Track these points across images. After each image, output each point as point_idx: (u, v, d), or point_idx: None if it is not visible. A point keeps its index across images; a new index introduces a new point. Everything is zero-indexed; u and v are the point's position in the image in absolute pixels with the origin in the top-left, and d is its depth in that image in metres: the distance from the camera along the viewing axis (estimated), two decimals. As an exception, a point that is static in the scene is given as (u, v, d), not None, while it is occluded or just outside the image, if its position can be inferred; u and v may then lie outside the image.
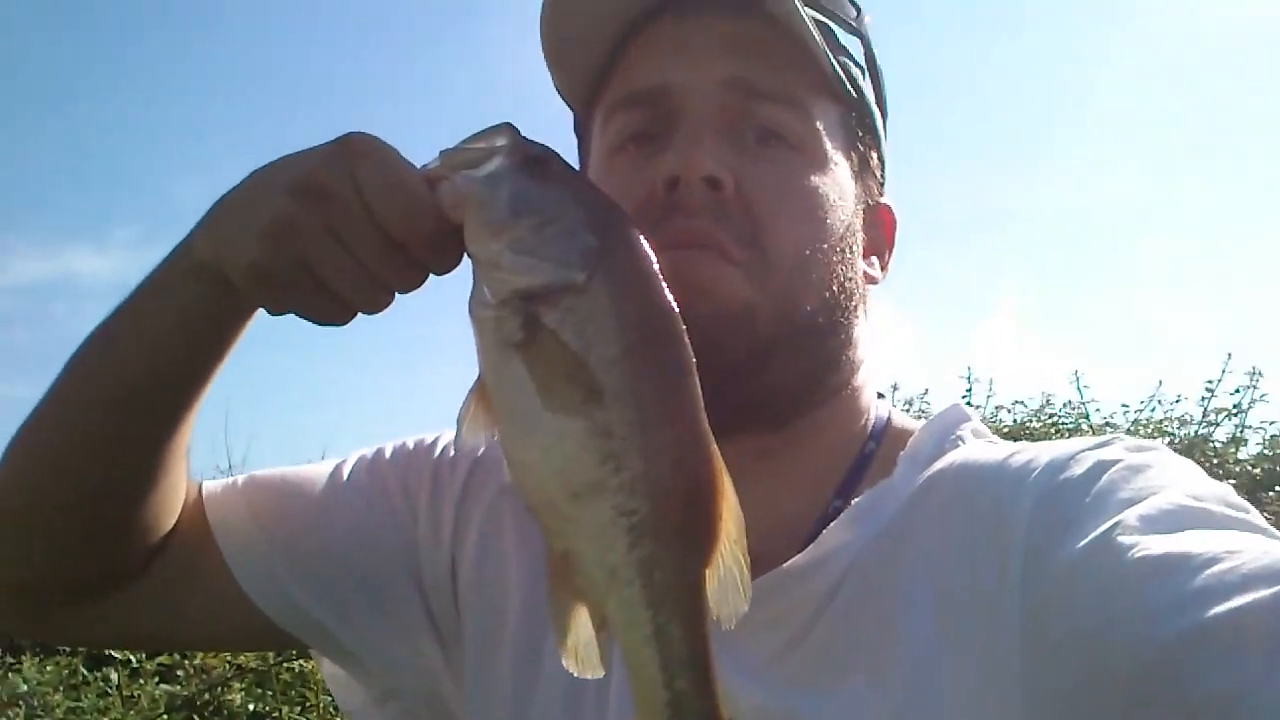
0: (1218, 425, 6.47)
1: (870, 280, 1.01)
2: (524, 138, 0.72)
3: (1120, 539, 0.70)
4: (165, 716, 3.50)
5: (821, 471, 0.96)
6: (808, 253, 0.92)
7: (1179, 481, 0.76)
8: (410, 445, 1.11)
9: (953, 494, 0.88)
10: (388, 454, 1.10)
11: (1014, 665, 0.75)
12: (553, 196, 0.70)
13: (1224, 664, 0.59)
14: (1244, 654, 0.59)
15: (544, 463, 0.67)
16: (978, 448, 0.93)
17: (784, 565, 0.89)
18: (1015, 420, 6.81)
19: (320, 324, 0.78)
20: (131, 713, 3.50)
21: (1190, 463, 0.82)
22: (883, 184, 1.06)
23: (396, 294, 0.77)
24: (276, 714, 3.74)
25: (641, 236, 0.71)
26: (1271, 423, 6.66)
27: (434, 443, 1.11)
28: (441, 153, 0.72)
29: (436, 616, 1.04)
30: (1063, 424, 6.73)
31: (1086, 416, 6.80)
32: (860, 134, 1.01)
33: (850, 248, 0.96)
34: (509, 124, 0.72)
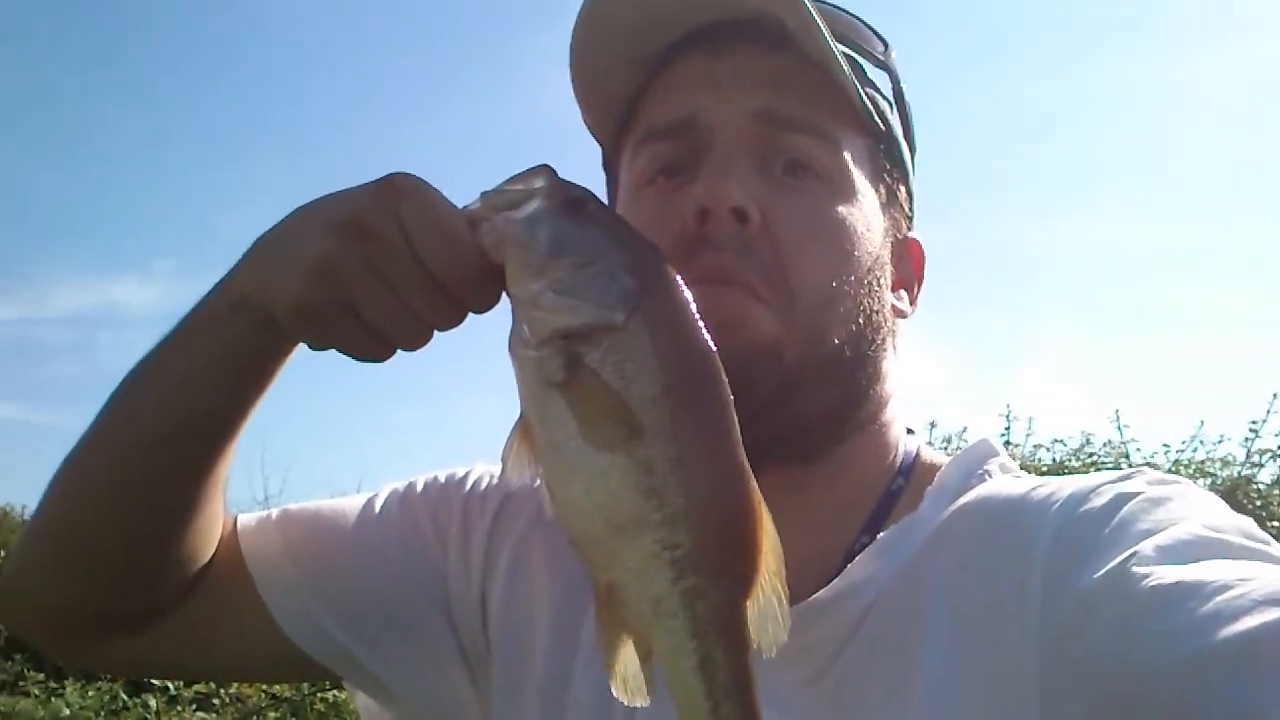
0: (1262, 466, 6.35)
1: (899, 314, 1.02)
2: (562, 179, 0.74)
3: (1137, 568, 0.72)
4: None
5: (849, 506, 0.97)
6: (834, 285, 0.93)
7: (1198, 513, 0.78)
8: (441, 479, 1.13)
9: (976, 526, 0.89)
10: (419, 488, 1.12)
11: (1032, 692, 0.77)
12: (591, 238, 0.72)
13: (1237, 686, 0.60)
14: (1257, 676, 0.60)
15: (587, 498, 0.69)
16: (1003, 482, 0.94)
17: (810, 599, 0.90)
18: (1054, 459, 6.74)
19: (361, 360, 0.80)
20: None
21: (1212, 495, 0.84)
22: (911, 218, 1.07)
23: (439, 332, 0.79)
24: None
25: (679, 277, 0.73)
26: (1317, 462, 6.54)
27: (464, 477, 1.13)
28: (482, 194, 0.75)
29: (466, 648, 1.06)
30: (1102, 463, 6.64)
31: (1127, 456, 6.70)
32: (888, 167, 1.02)
33: (878, 280, 0.97)
34: (547, 165, 0.75)
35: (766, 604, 0.68)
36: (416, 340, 0.79)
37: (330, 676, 1.10)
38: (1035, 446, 6.87)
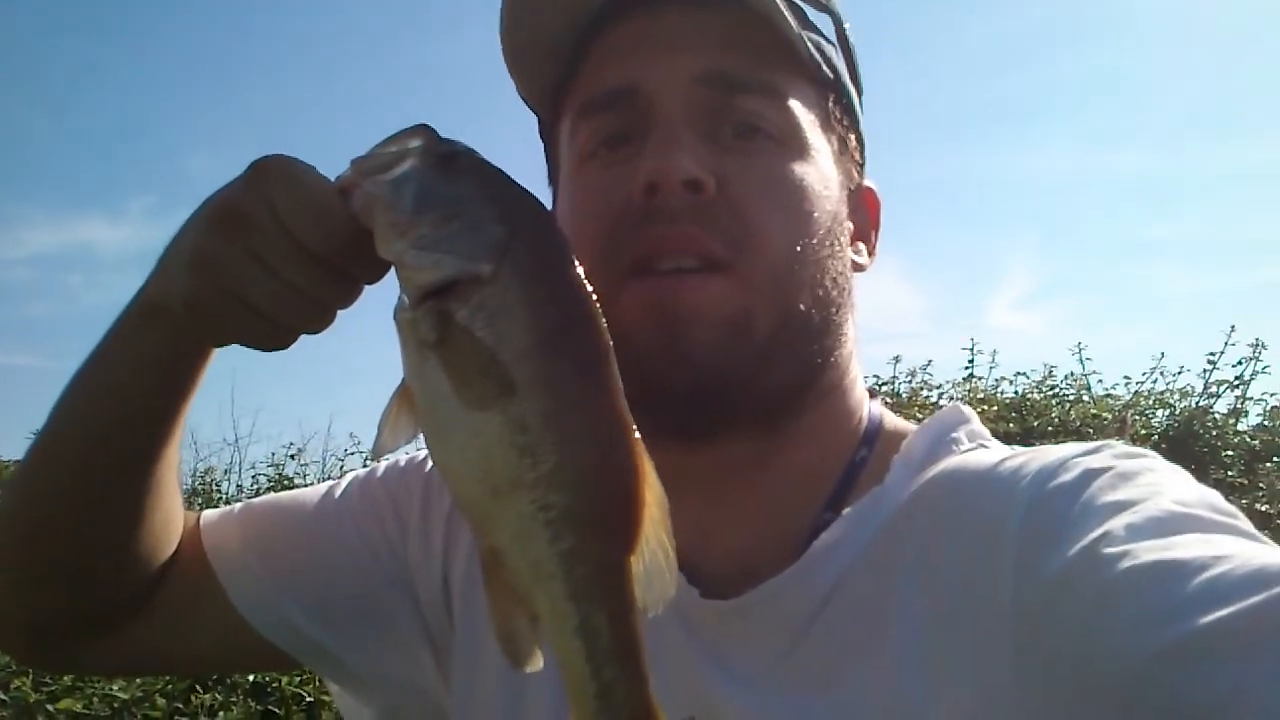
0: (1219, 397, 6.46)
1: (858, 268, 0.99)
2: (440, 138, 0.72)
3: (1108, 549, 0.69)
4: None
5: (813, 479, 0.94)
6: (798, 249, 0.89)
7: (1166, 488, 0.75)
8: (402, 463, 1.13)
9: (945, 501, 0.86)
10: (379, 473, 1.12)
11: (1006, 674, 0.74)
12: (459, 191, 0.69)
13: (1215, 670, 0.58)
14: (1235, 660, 0.58)
15: (463, 461, 0.67)
16: (972, 454, 0.91)
17: (775, 577, 0.88)
18: (1017, 392, 6.81)
19: (266, 349, 0.79)
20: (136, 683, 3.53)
21: (1178, 468, 0.81)
22: (863, 165, 1.03)
23: (338, 309, 0.77)
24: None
25: (554, 223, 0.70)
26: (1272, 394, 6.66)
27: (424, 460, 1.12)
28: (353, 161, 0.72)
29: (433, 631, 1.05)
30: (1065, 396, 6.72)
31: (1089, 388, 6.81)
32: (838, 116, 0.98)
33: (838, 239, 0.94)
34: (424, 125, 0.72)
35: (652, 559, 0.66)
36: (316, 320, 0.77)
37: (301, 666, 1.11)
38: (999, 379, 6.93)
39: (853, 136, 1.00)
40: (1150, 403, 6.63)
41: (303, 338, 0.77)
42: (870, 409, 0.99)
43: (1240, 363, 6.37)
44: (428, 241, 0.67)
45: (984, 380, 6.82)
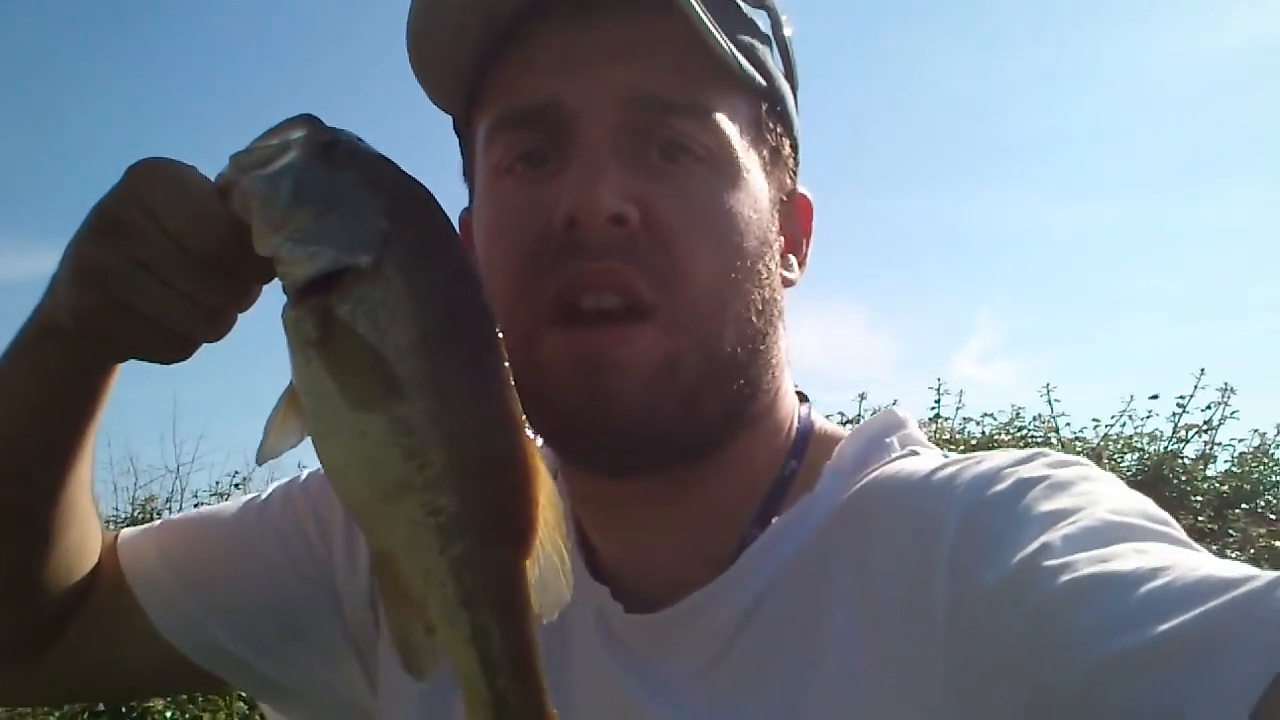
0: (1188, 442, 6.48)
1: (787, 283, 0.95)
2: (323, 128, 0.68)
3: (1046, 562, 0.68)
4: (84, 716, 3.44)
5: (739, 499, 0.91)
6: (726, 283, 0.85)
7: (1101, 497, 0.74)
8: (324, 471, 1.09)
9: (878, 508, 0.84)
10: (302, 480, 1.08)
11: (940, 683, 0.73)
12: (338, 181, 0.66)
13: (1160, 683, 0.57)
14: (1178, 671, 0.57)
15: (350, 464, 0.64)
16: (906, 462, 0.88)
17: (701, 589, 0.86)
18: (984, 433, 6.76)
19: (163, 361, 0.76)
20: (55, 715, 3.42)
21: (1110, 475, 0.80)
22: (796, 170, 0.98)
23: (235, 312, 0.74)
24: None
25: (440, 213, 0.67)
26: (1241, 440, 6.69)
27: None
28: (232, 157, 0.69)
29: (359, 641, 1.02)
30: (1032, 437, 6.70)
31: (1056, 430, 6.80)
32: (771, 124, 0.93)
33: (768, 265, 0.89)
34: (308, 115, 0.69)
35: (546, 563, 0.63)
36: (211, 326, 0.74)
37: (227, 685, 1.07)
38: (964, 419, 6.90)
39: (786, 143, 0.95)
40: (1119, 446, 6.64)
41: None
42: (800, 416, 0.96)
43: (1209, 407, 6.41)
44: (304, 234, 0.64)
45: (950, 421, 6.82)
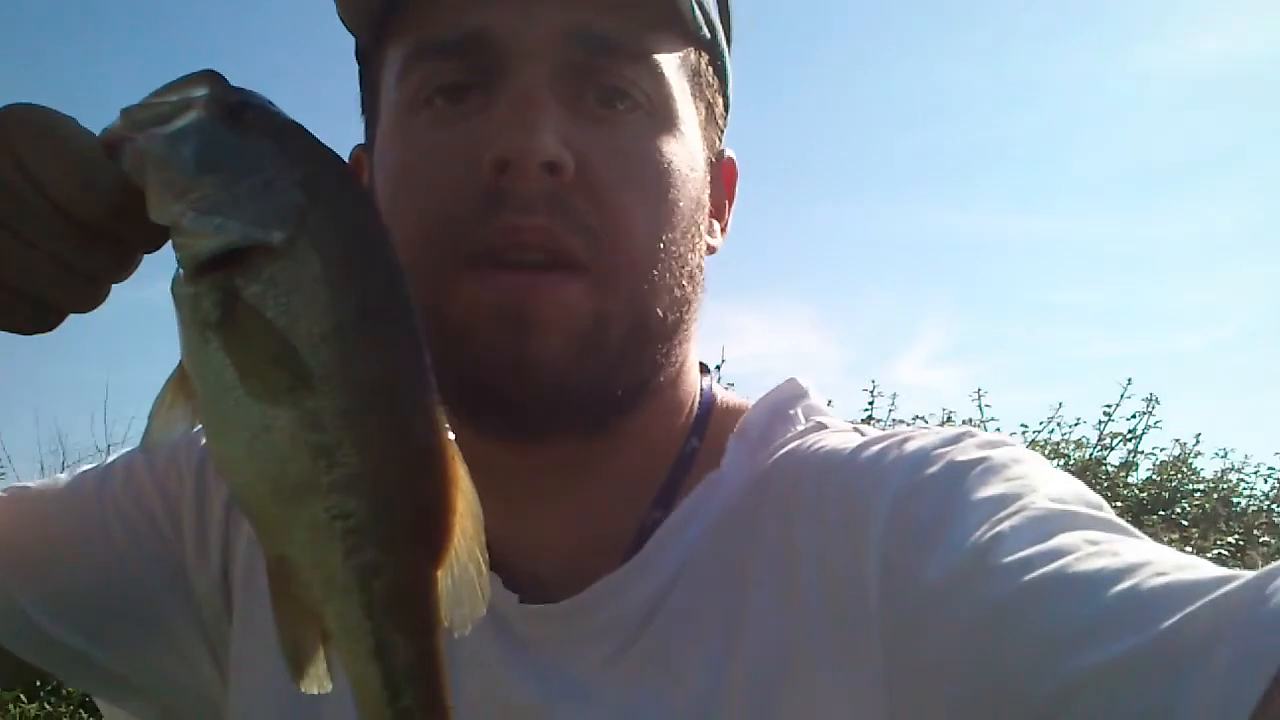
0: (1112, 449, 6.64)
1: (710, 251, 0.89)
2: (229, 86, 0.62)
3: (1000, 559, 0.63)
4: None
5: (643, 475, 0.86)
6: (660, 245, 0.80)
7: (1038, 482, 0.71)
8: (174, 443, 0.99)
9: (796, 489, 0.80)
10: (143, 457, 0.99)
11: (875, 681, 0.69)
12: (250, 148, 0.60)
13: (1143, 692, 0.53)
14: (1164, 680, 0.53)
15: (250, 461, 0.59)
16: (820, 437, 0.84)
17: (605, 578, 0.81)
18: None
19: (25, 332, 0.68)
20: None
21: (1040, 457, 0.77)
22: (724, 129, 0.93)
23: (111, 282, 0.67)
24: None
25: (361, 189, 0.62)
26: (1163, 449, 6.88)
27: (199, 436, 0.98)
28: (123, 111, 0.62)
29: (209, 629, 0.95)
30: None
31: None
32: (709, 79, 0.88)
33: (698, 227, 0.85)
34: (210, 71, 0.62)
35: (462, 574, 0.59)
36: (83, 297, 0.66)
37: (57, 677, 1.00)
38: (895, 421, 6.99)
39: (720, 100, 0.91)
40: (1046, 452, 6.76)
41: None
42: (703, 389, 0.91)
43: (1135, 416, 6.56)
44: (209, 204, 0.58)
45: (882, 423, 6.89)
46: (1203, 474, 7.21)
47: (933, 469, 0.74)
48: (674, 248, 0.81)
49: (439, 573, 0.58)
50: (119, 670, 0.95)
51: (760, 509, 0.81)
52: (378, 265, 0.61)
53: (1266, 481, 7.43)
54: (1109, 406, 6.62)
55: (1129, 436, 6.65)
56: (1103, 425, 6.69)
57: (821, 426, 0.87)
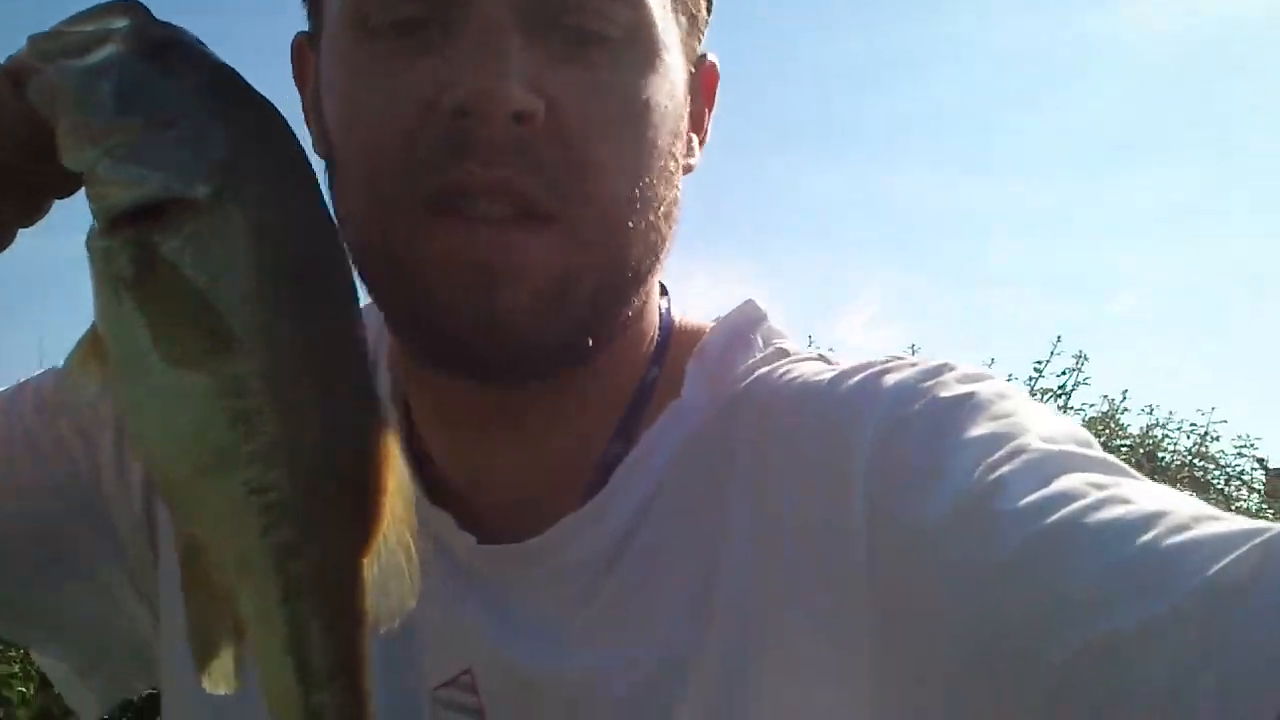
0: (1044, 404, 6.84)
1: (688, 170, 0.82)
2: (152, 19, 0.57)
3: (1002, 505, 0.59)
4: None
5: (604, 410, 0.81)
6: (636, 191, 0.73)
7: (1029, 421, 0.66)
8: None
9: (769, 415, 0.75)
10: (53, 386, 0.90)
11: (861, 630, 0.65)
12: (176, 90, 0.55)
13: (1182, 653, 0.49)
14: (1204, 640, 0.49)
15: (163, 428, 0.54)
16: (794, 365, 0.79)
17: (567, 517, 0.76)
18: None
19: None
20: None
21: (1023, 392, 0.73)
22: (705, 31, 0.84)
23: (15, 229, 0.62)
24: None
25: (295, 140, 0.56)
26: (1091, 405, 7.09)
27: None
28: (31, 39, 0.57)
29: (134, 567, 0.89)
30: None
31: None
32: None
33: (677, 159, 0.78)
34: (134, 1, 0.57)
35: (390, 560, 0.54)
36: None
37: None
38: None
39: (704, 4, 0.82)
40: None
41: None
42: (662, 312, 0.85)
43: (1064, 373, 6.73)
44: (129, 151, 0.53)
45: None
46: (1129, 430, 7.46)
47: (916, 404, 0.69)
48: (651, 191, 0.75)
49: (364, 559, 0.54)
50: (41, 615, 0.89)
51: (729, 440, 0.76)
52: (309, 225, 0.56)
53: (1189, 437, 8.05)
54: (1039, 363, 6.80)
55: (1058, 393, 6.85)
56: (1033, 382, 6.87)
57: (784, 353, 0.82)
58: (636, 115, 0.73)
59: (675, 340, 0.84)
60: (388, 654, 0.72)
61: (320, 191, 0.57)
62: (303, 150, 0.57)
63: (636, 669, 0.73)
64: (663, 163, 0.75)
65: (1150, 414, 7.68)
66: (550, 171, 0.69)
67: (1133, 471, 0.63)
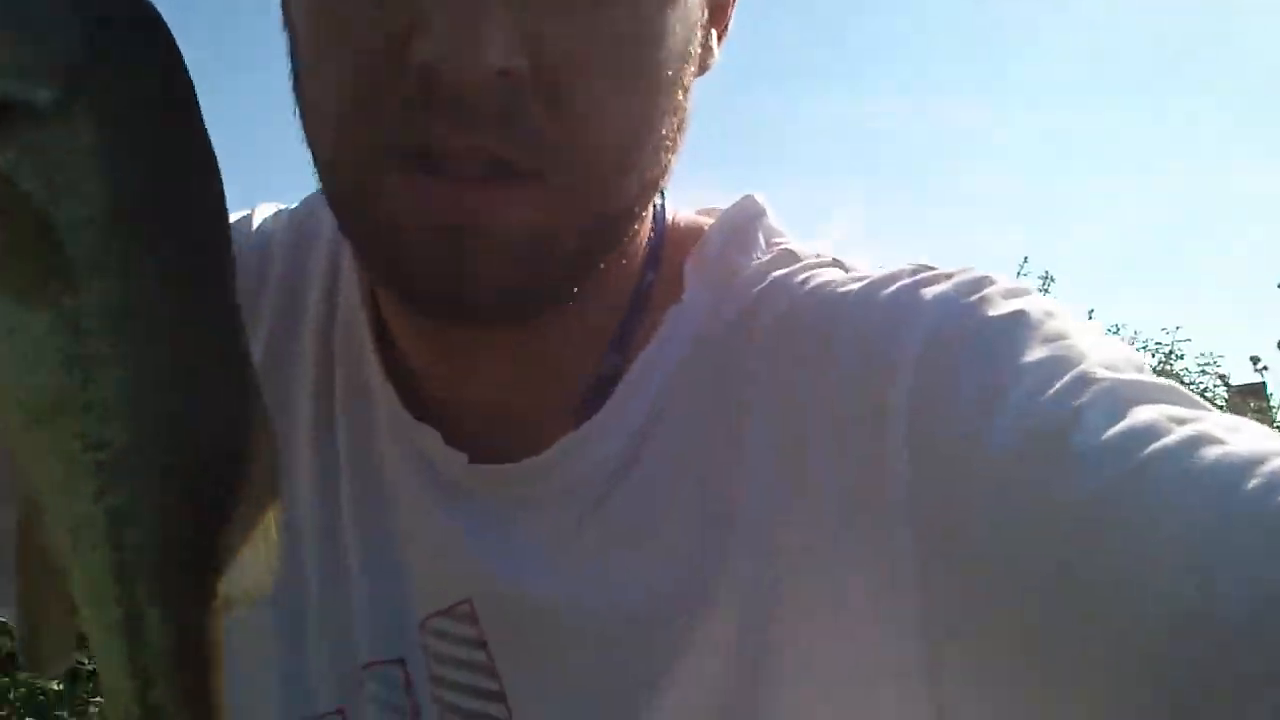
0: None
1: (704, 69, 0.72)
2: None
3: (1070, 439, 0.53)
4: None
5: (598, 322, 0.73)
6: (638, 134, 0.64)
7: (1086, 345, 0.59)
8: None
9: (791, 325, 0.67)
10: None
11: (906, 572, 0.58)
12: None
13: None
14: None
15: None
16: (813, 270, 0.71)
17: (568, 435, 0.69)
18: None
19: None
20: None
21: (1068, 310, 0.65)
22: None
23: None
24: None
25: (165, 39, 0.48)
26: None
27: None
28: None
29: None
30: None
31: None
32: None
33: (688, 80, 0.68)
34: None
35: (246, 535, 0.46)
36: None
37: None
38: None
39: None
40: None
41: None
42: (656, 210, 0.75)
43: (1029, 291, 7.26)
44: None
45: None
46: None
47: (963, 322, 0.62)
48: (652, 132, 0.65)
49: (216, 532, 0.46)
50: None
51: (743, 352, 0.68)
52: (175, 140, 0.48)
53: (1154, 356, 8.54)
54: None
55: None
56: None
57: (793, 255, 0.73)
58: (640, 55, 0.62)
59: (670, 240, 0.76)
60: (371, 584, 0.71)
61: (195, 103, 0.49)
62: (176, 52, 0.49)
63: (652, 589, 0.66)
64: (669, 97, 0.65)
65: (1116, 333, 8.25)
66: (534, 132, 0.60)
67: (1203, 402, 0.57)
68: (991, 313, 0.61)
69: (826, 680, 0.63)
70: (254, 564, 0.46)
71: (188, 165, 0.48)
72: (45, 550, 0.47)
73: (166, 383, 0.46)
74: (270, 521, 0.46)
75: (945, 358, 0.60)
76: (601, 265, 0.68)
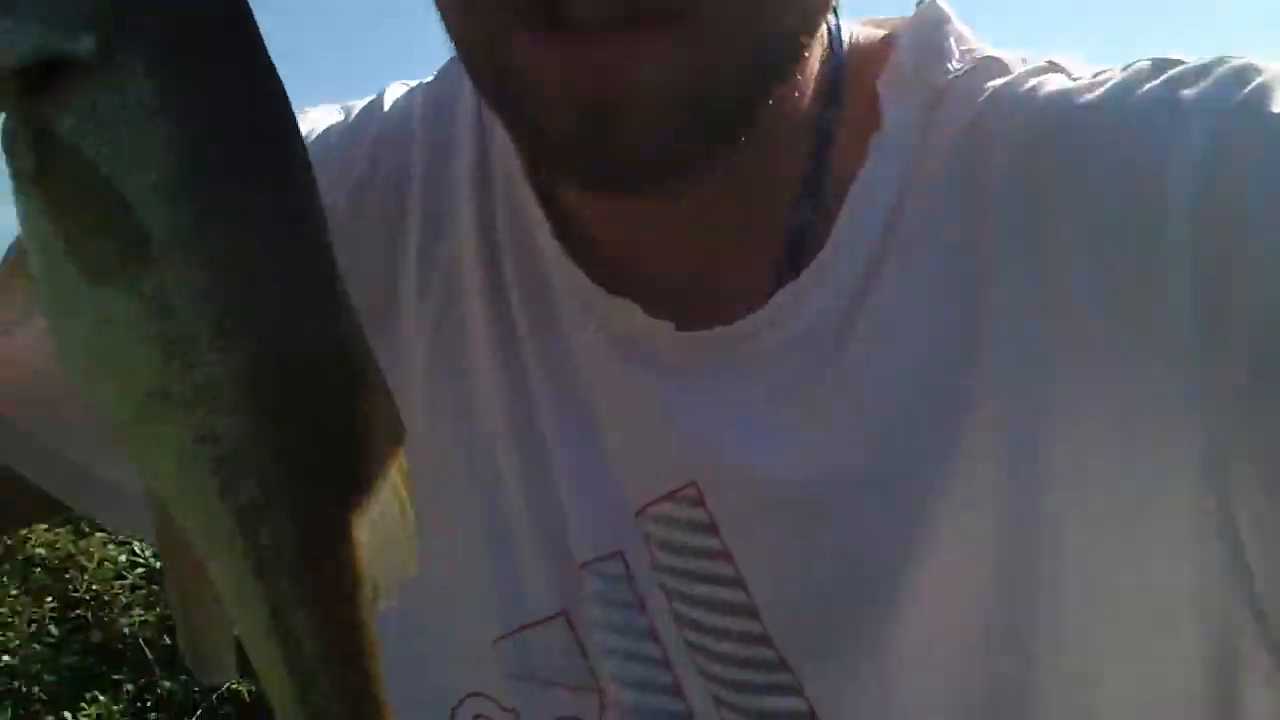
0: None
1: None
2: None
3: None
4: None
5: (781, 168, 0.64)
6: None
7: None
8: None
9: (1033, 149, 0.58)
10: None
11: (1189, 443, 0.52)
12: None
13: None
14: None
15: (93, 364, 0.42)
16: (1038, 81, 0.61)
17: (783, 289, 0.62)
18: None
19: None
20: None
21: None
22: None
23: None
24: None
25: None
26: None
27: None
28: None
29: None
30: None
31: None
32: None
33: None
34: None
35: (385, 515, 0.42)
36: None
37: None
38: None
39: None
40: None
41: None
42: (831, 31, 0.66)
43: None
44: None
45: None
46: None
47: (1238, 119, 0.53)
48: None
49: (354, 516, 0.41)
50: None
51: (977, 169, 0.60)
52: (240, 80, 0.41)
53: None
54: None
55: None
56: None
57: (1000, 63, 0.63)
58: None
59: (853, 63, 0.66)
60: (580, 479, 0.66)
61: (251, 25, 0.42)
62: None
63: (894, 442, 0.59)
64: None
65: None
66: None
67: None
68: (1273, 107, 0.52)
69: (1109, 521, 0.55)
70: (393, 546, 0.42)
71: (254, 102, 0.42)
72: (186, 545, 0.44)
73: (276, 357, 0.41)
74: (403, 494, 0.42)
75: (1224, 161, 0.51)
76: (770, 104, 0.57)
